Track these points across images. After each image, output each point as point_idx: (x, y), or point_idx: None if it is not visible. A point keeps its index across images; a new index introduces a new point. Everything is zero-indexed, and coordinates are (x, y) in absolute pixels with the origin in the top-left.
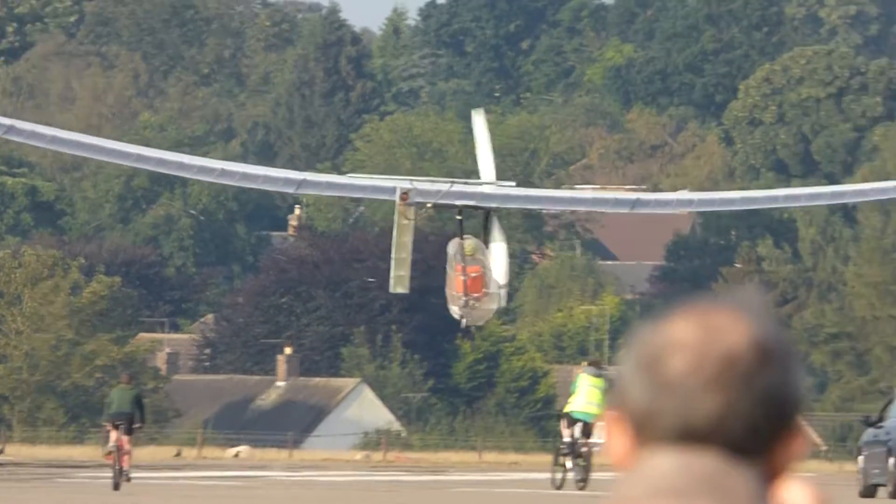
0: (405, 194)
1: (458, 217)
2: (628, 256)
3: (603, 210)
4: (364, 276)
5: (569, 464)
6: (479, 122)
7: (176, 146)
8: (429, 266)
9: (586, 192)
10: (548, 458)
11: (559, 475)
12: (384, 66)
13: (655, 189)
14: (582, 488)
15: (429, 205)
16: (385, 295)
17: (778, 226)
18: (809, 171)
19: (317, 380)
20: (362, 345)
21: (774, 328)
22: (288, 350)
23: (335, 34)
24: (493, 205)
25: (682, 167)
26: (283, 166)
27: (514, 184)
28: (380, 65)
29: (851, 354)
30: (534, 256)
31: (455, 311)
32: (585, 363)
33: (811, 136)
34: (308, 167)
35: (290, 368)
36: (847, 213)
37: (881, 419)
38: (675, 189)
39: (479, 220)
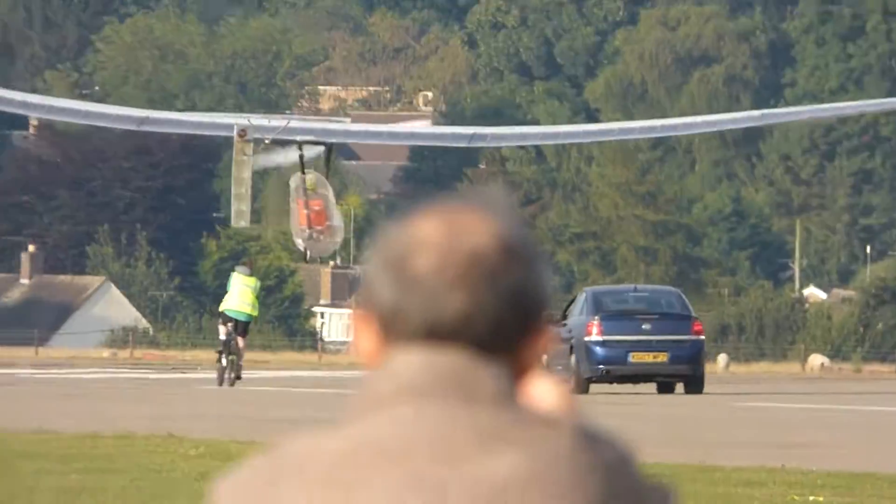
0: (243, 131)
1: (299, 152)
2: (372, 157)
3: (441, 144)
4: (107, 175)
5: (224, 361)
6: None
7: None
8: (172, 166)
9: (424, 126)
10: (297, 356)
11: (222, 372)
12: None
13: (399, 91)
14: (232, 384)
15: (267, 140)
16: (129, 194)
17: (522, 126)
18: (552, 73)
19: (62, 277)
20: (107, 243)
21: (519, 227)
22: (31, 248)
23: None
24: (333, 140)
25: (425, 69)
26: (24, 67)
27: (349, 120)
28: None
29: (597, 254)
30: None
31: (300, 243)
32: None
33: (554, 40)
34: (48, 68)
35: (33, 266)
36: (590, 114)
37: (564, 317)
38: (417, 91)
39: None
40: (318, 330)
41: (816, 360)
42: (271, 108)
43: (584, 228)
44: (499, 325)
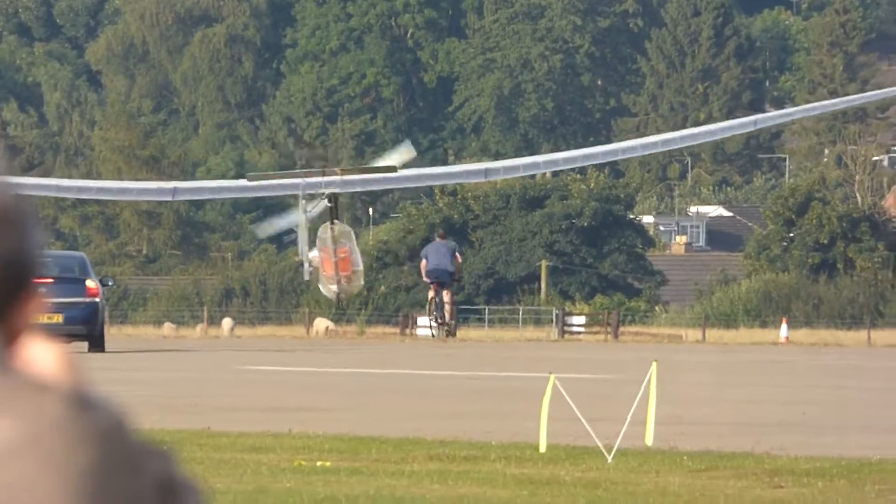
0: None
1: (329, 204)
2: None
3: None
4: None
5: None
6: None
7: None
8: None
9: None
10: None
11: None
12: None
13: None
14: None
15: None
16: None
17: (23, 90)
18: (52, 34)
19: None
20: None
21: (8, 191)
22: None
23: None
24: (377, 188)
25: None
26: None
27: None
28: None
29: (100, 218)
30: None
31: (332, 289)
32: None
33: (53, 0)
34: None
35: None
36: (92, 76)
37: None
38: None
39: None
40: None
41: (322, 323)
42: None
43: None
44: None
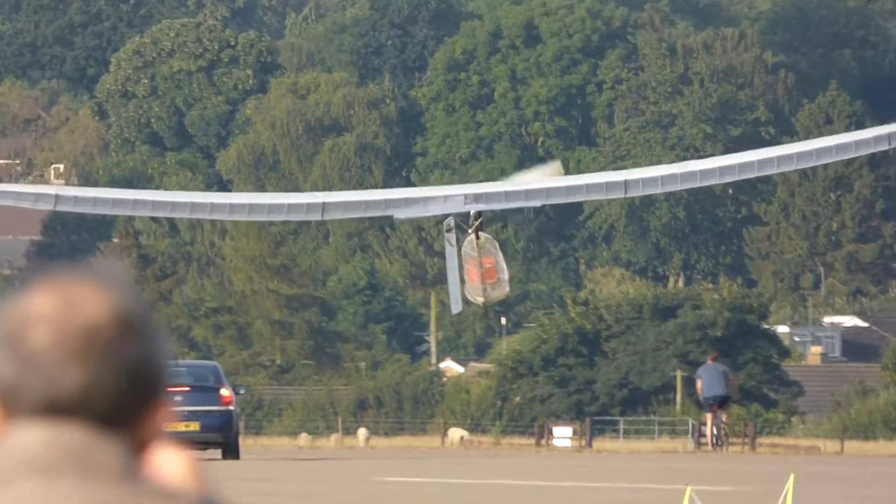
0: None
1: (475, 220)
2: (3, 231)
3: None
4: None
5: None
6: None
7: None
8: None
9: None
10: None
11: None
12: None
13: (30, 163)
14: None
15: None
16: None
17: None
18: (184, 143)
19: None
20: None
21: (136, 299)
22: None
23: None
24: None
25: (55, 141)
26: None
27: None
28: None
29: (233, 328)
30: None
31: (478, 299)
32: None
33: (184, 109)
34: None
35: None
36: (223, 185)
37: None
38: (48, 164)
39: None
40: None
41: (456, 433)
42: None
43: (219, 303)
44: (118, 399)
